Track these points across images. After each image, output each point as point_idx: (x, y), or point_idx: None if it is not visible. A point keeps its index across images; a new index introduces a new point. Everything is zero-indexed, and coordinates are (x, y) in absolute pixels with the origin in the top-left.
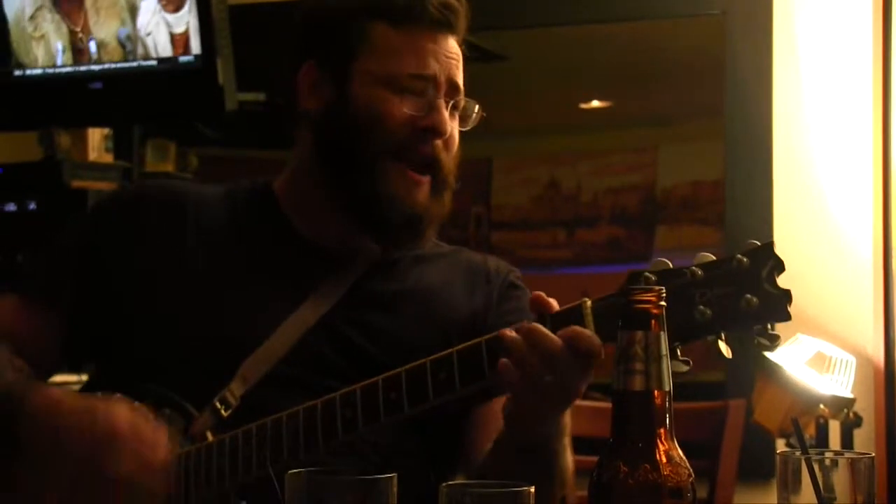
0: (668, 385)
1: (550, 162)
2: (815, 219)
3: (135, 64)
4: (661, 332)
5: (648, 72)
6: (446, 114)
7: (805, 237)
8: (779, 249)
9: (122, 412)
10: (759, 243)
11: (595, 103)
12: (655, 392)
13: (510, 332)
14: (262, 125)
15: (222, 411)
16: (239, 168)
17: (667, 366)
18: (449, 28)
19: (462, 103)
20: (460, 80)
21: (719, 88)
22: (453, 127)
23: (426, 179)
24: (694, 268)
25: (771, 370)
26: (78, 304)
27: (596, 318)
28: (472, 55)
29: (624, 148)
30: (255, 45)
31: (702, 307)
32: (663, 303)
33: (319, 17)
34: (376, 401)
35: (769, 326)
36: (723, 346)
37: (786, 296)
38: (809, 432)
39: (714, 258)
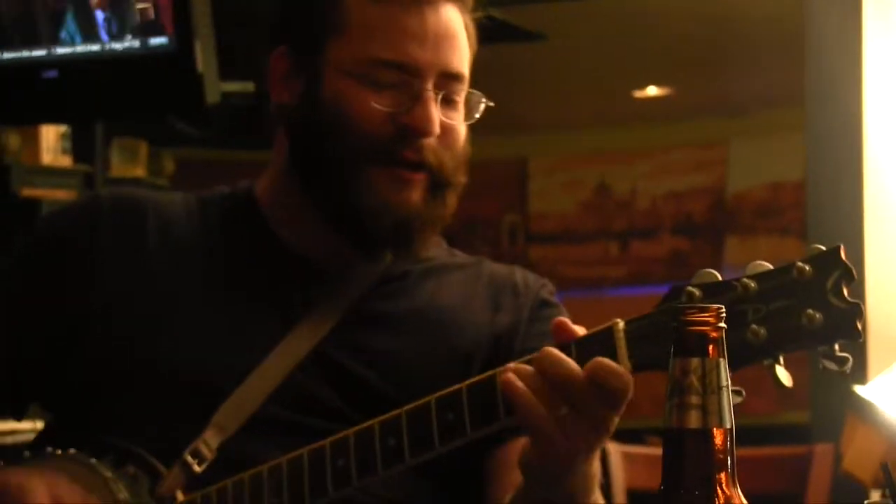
0: (729, 421)
1: (599, 161)
2: None
3: (97, 48)
4: (721, 359)
5: (716, 52)
6: (433, 108)
7: None
8: (871, 262)
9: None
10: (822, 248)
11: (652, 91)
12: (714, 430)
13: (517, 364)
14: (250, 121)
15: (195, 466)
16: (223, 172)
17: (728, 398)
18: None
19: (461, 92)
20: (457, 62)
21: (801, 71)
22: (451, 121)
23: (420, 177)
24: (746, 279)
25: (863, 408)
26: (17, 342)
27: (630, 342)
28: (502, 34)
29: (687, 143)
30: (241, 26)
31: (755, 326)
32: (723, 324)
33: None
34: (372, 448)
35: (836, 347)
36: (781, 371)
37: (855, 310)
38: None
39: (770, 267)
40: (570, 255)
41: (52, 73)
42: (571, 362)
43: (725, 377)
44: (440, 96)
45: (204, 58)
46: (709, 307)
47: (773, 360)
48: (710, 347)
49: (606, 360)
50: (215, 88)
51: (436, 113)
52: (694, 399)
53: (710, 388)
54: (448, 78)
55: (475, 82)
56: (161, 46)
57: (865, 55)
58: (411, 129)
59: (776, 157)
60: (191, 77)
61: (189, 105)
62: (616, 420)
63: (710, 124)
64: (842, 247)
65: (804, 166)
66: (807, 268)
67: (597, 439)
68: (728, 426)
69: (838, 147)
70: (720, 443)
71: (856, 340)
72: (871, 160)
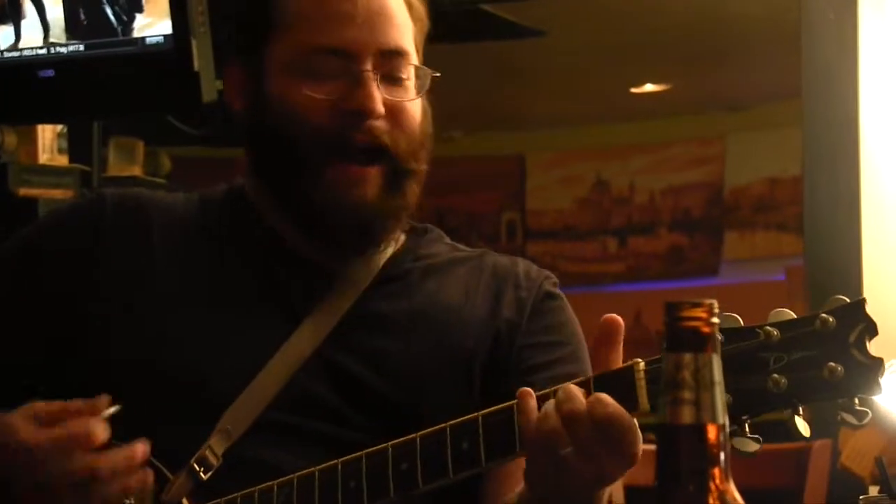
0: (722, 417)
1: (597, 157)
2: None
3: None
4: (714, 355)
5: (713, 47)
6: (374, 88)
7: None
8: (868, 257)
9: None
10: (847, 300)
11: (649, 86)
12: (708, 425)
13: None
14: None
15: (201, 473)
16: (220, 170)
17: (721, 394)
18: None
19: (405, 68)
20: (395, 38)
21: (798, 66)
22: (397, 98)
23: (373, 171)
24: (768, 327)
25: None
26: (16, 344)
27: (651, 383)
28: (500, 30)
29: (685, 138)
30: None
31: (776, 375)
32: (716, 319)
33: None
34: (385, 472)
35: (856, 401)
36: (800, 422)
37: (877, 365)
38: None
39: (793, 315)
40: (569, 251)
41: (49, 73)
42: (582, 400)
43: (719, 373)
44: (380, 75)
45: (200, 56)
46: (701, 302)
47: (793, 410)
48: (703, 343)
49: (603, 395)
50: (212, 87)
51: (377, 92)
52: (687, 395)
53: (704, 384)
54: (387, 56)
55: (474, 78)
56: (157, 45)
57: (861, 50)
58: (355, 113)
59: (774, 151)
60: (187, 76)
61: (185, 103)
62: (619, 472)
63: (707, 119)
64: (865, 300)
65: (802, 161)
66: (830, 319)
67: (593, 485)
68: (721, 421)
69: (835, 142)
70: (713, 438)
71: (876, 395)
72: (867, 155)
